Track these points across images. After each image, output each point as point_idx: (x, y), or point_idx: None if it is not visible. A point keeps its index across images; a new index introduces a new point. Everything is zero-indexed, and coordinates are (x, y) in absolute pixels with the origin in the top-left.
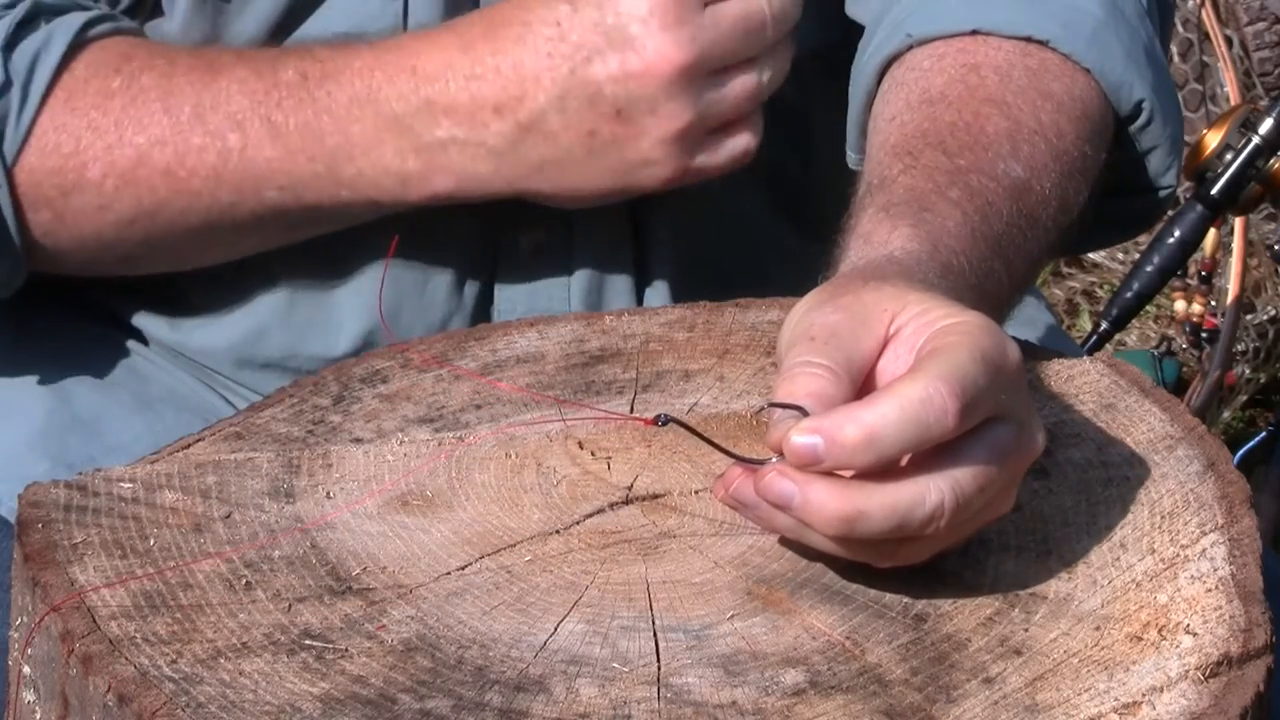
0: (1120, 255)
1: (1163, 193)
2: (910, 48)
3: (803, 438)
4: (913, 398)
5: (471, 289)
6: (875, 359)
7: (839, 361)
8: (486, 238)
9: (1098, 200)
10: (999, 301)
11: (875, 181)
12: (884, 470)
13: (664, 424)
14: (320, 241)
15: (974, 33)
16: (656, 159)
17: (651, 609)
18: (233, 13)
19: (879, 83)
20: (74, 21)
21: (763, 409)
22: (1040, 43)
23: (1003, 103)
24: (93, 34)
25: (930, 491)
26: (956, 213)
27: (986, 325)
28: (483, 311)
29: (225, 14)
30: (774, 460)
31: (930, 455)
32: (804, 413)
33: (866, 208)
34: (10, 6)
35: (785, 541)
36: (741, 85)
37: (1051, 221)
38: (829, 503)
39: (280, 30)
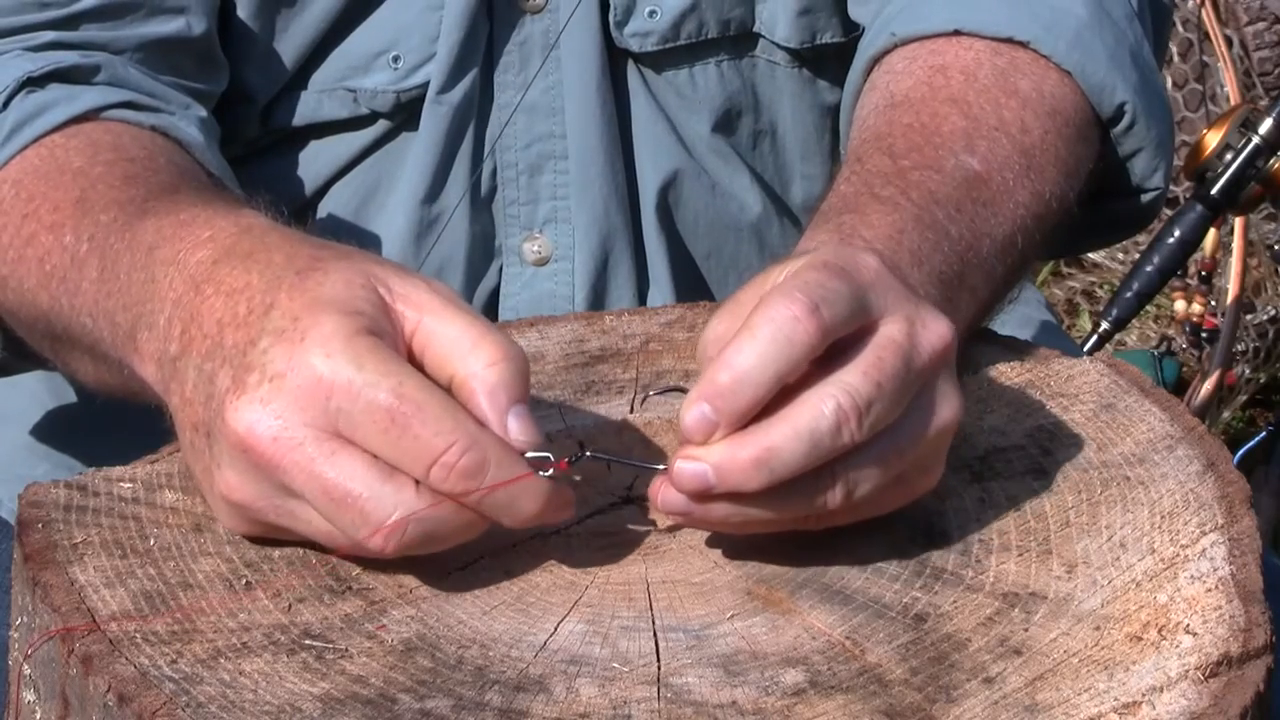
0: (1120, 255)
1: (1149, 195)
2: (895, 47)
3: (690, 412)
4: (760, 319)
5: (477, 300)
6: None
7: None
8: (490, 248)
9: (1086, 202)
10: (961, 279)
11: (825, 192)
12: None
13: (578, 460)
14: None
15: (956, 33)
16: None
17: (651, 609)
18: (288, 18)
19: (865, 83)
20: (90, 99)
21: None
22: (1021, 44)
23: (963, 102)
24: (102, 116)
25: (824, 400)
26: (883, 207)
27: (831, 246)
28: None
29: (283, 17)
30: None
31: (816, 373)
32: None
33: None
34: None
35: (777, 538)
36: None
37: (1023, 210)
38: (737, 454)
39: (326, 42)
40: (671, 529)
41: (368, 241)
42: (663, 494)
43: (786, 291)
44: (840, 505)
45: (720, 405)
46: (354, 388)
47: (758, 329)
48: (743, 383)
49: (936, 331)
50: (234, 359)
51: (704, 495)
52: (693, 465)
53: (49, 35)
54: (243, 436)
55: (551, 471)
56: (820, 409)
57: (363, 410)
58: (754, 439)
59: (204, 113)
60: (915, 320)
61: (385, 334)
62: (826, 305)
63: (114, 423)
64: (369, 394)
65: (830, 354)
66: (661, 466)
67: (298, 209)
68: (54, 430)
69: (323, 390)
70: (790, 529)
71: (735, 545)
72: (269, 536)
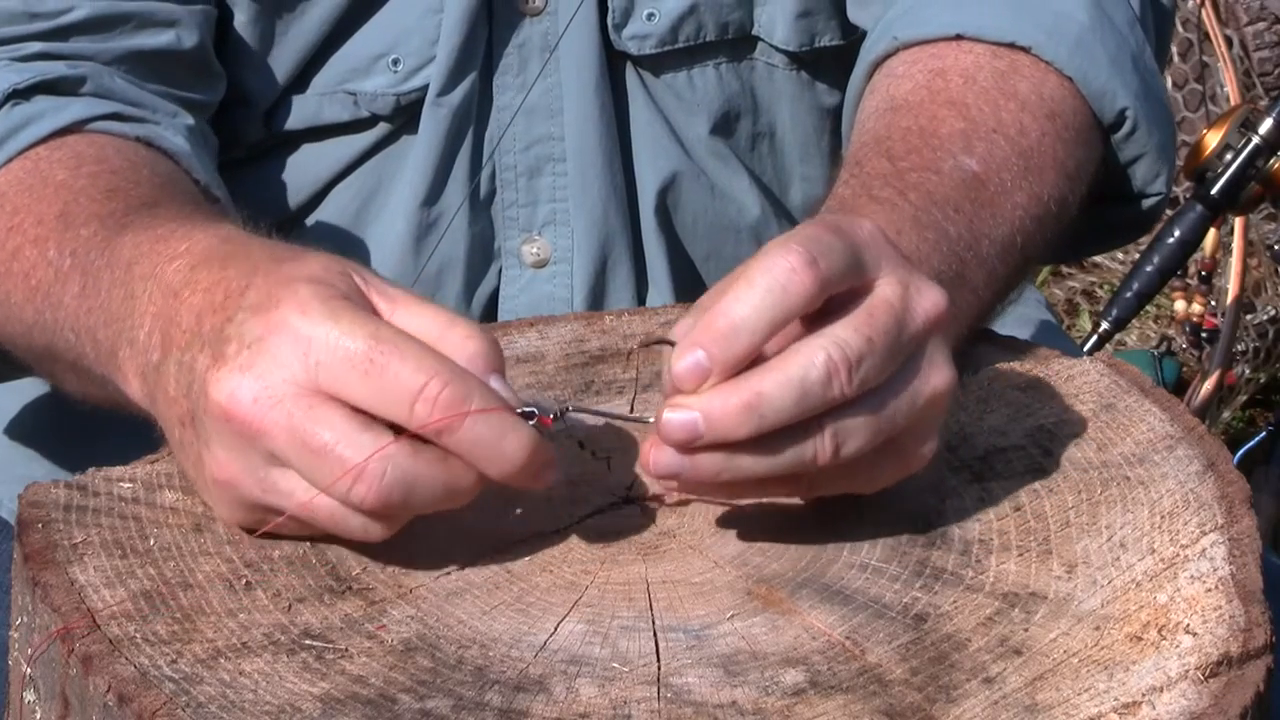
0: (1120, 255)
1: (1151, 201)
2: (896, 51)
3: (682, 360)
4: (757, 269)
5: (476, 303)
6: None
7: None
8: (490, 250)
9: (1088, 207)
10: (961, 278)
11: (824, 196)
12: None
13: (562, 415)
14: None
15: (958, 37)
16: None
17: (651, 609)
18: (287, 23)
19: (866, 87)
20: (76, 111)
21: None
22: (1023, 49)
23: (962, 104)
24: (87, 127)
25: (815, 351)
26: (880, 208)
27: (828, 215)
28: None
29: (283, 22)
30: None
31: (810, 326)
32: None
33: None
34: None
35: (777, 536)
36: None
37: (1022, 211)
38: (728, 399)
39: (326, 45)
40: (674, 504)
41: (358, 252)
42: (654, 456)
43: (784, 245)
44: (829, 459)
45: (715, 352)
46: (331, 338)
47: (755, 279)
48: (739, 330)
49: (930, 298)
50: (211, 339)
51: (692, 446)
52: (681, 414)
53: (37, 46)
54: (225, 405)
55: (535, 422)
56: (811, 359)
57: (341, 358)
58: (744, 385)
59: (192, 121)
60: (910, 284)
61: (362, 307)
62: (824, 258)
63: (114, 423)
64: (346, 342)
65: (823, 313)
66: (650, 419)
67: (298, 211)
68: (53, 430)
69: (300, 346)
70: (782, 494)
71: (735, 544)
72: (261, 529)
